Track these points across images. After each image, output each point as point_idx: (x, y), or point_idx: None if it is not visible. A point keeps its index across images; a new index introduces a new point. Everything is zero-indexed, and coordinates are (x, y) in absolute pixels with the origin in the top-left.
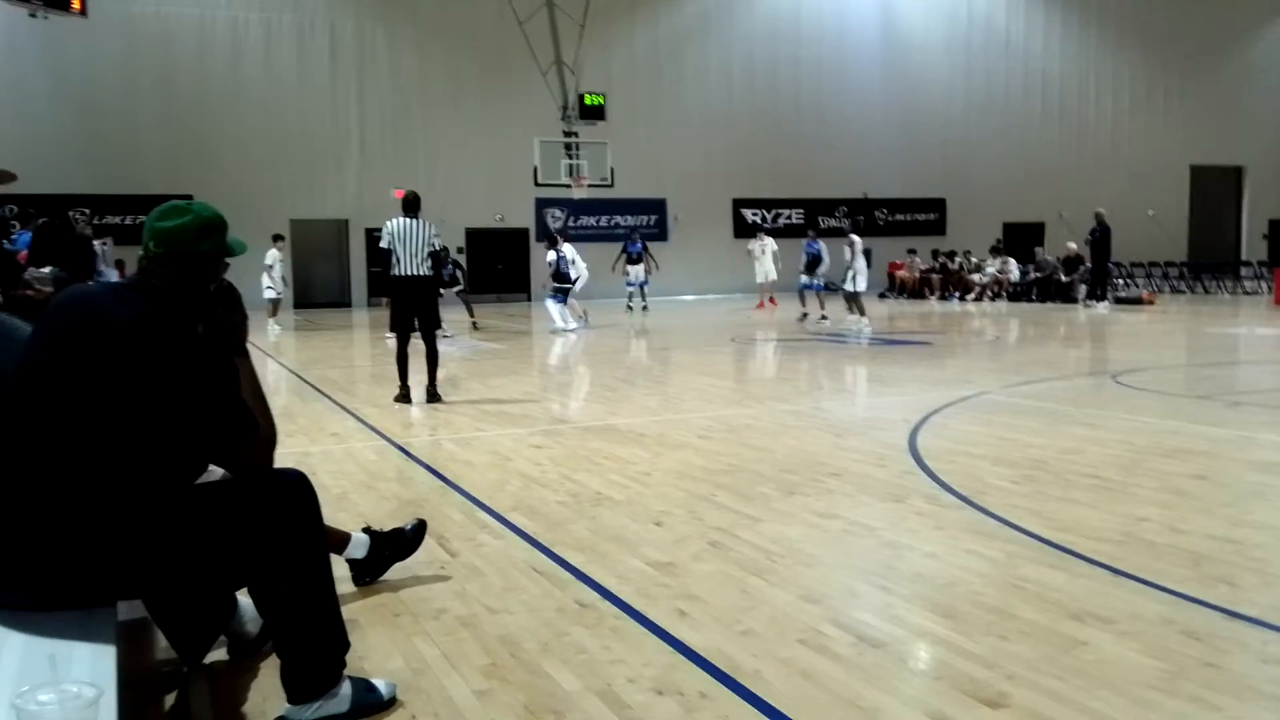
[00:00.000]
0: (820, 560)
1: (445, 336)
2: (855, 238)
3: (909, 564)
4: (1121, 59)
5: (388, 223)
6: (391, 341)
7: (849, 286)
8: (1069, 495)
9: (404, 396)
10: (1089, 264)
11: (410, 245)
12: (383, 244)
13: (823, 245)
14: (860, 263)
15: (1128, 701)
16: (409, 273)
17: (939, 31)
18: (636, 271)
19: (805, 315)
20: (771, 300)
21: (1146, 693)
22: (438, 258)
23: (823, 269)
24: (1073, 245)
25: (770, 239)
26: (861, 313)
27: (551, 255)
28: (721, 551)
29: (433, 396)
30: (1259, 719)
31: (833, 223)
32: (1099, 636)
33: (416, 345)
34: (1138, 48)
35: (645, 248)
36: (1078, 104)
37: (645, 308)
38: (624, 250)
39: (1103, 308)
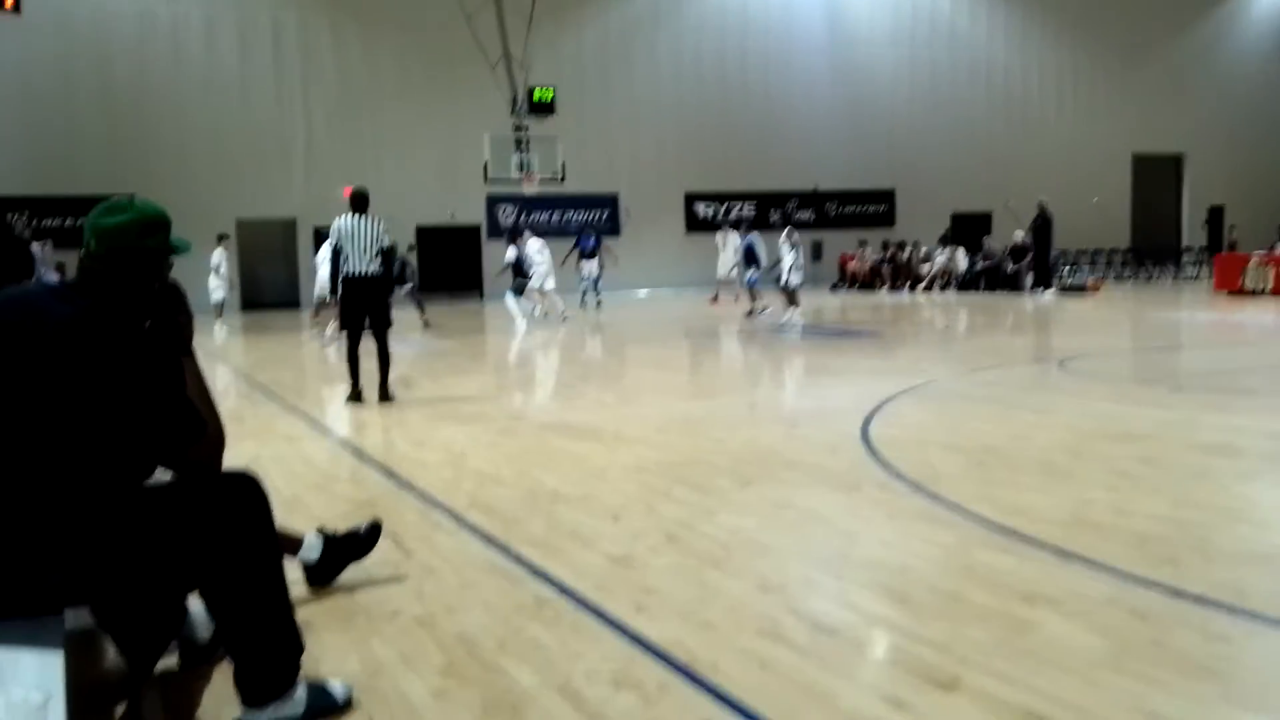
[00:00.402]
0: (776, 550)
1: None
2: (782, 234)
3: (863, 551)
4: (1064, 49)
5: (336, 220)
6: (321, 341)
7: (783, 281)
8: (1018, 480)
9: (356, 396)
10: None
11: (359, 243)
12: (330, 242)
13: (756, 237)
14: (790, 258)
15: (1077, 680)
16: (358, 271)
17: (885, 23)
18: (590, 267)
19: (752, 310)
20: (716, 297)
21: (1094, 671)
22: (388, 255)
23: (764, 263)
24: (1019, 234)
25: (734, 232)
26: (795, 304)
27: (512, 251)
28: (678, 544)
29: (385, 396)
30: (1204, 694)
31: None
32: (1048, 618)
33: (369, 346)
34: (1080, 37)
35: (600, 242)
36: (1022, 94)
37: (599, 303)
38: (576, 245)
39: (1049, 295)
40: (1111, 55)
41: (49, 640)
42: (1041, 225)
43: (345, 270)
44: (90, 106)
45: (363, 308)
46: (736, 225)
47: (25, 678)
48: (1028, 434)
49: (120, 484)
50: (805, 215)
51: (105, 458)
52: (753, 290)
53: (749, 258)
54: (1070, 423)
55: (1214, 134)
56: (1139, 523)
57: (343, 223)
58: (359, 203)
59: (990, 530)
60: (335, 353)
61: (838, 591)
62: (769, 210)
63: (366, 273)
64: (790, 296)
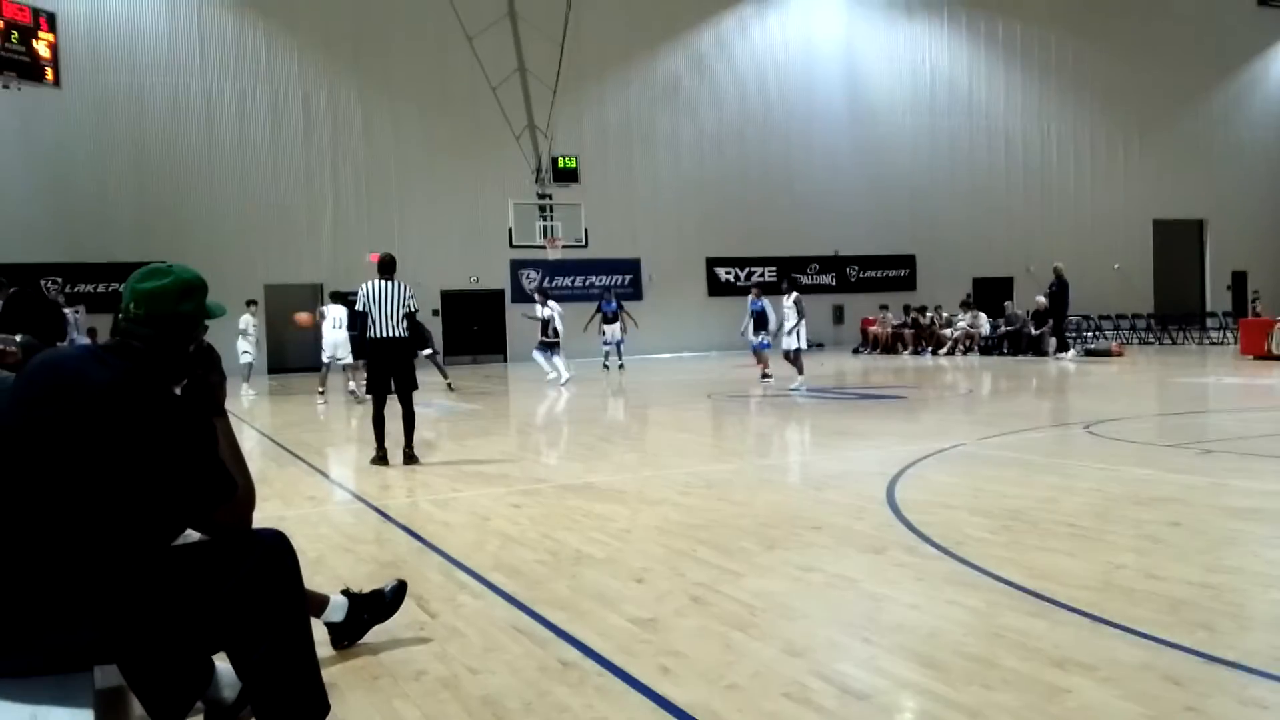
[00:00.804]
0: (802, 613)
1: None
2: (785, 298)
3: (891, 615)
4: (1081, 115)
5: (363, 285)
6: (322, 403)
7: (785, 345)
8: (1046, 544)
9: (381, 459)
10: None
11: (385, 307)
12: (358, 306)
13: (767, 303)
14: (791, 322)
15: None
16: (385, 334)
17: (903, 93)
18: (613, 330)
19: (765, 374)
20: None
21: None
22: (414, 319)
23: (772, 326)
24: (1041, 299)
25: (765, 299)
26: (799, 370)
27: (546, 311)
28: (703, 607)
29: (410, 458)
30: None
31: (805, 280)
32: (1081, 683)
33: (394, 408)
34: (1097, 104)
35: (621, 306)
36: (1040, 160)
37: (621, 366)
38: (599, 309)
39: (1069, 358)
40: (1130, 122)
41: (78, 698)
42: (1057, 290)
43: (371, 334)
44: (124, 175)
45: (389, 370)
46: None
47: None
48: (1055, 498)
49: (151, 543)
50: (827, 279)
51: (138, 518)
52: (759, 354)
53: (759, 322)
54: (1097, 486)
55: (1235, 199)
56: (1171, 587)
57: (370, 288)
58: (386, 268)
59: (1019, 594)
60: (344, 411)
61: (866, 656)
62: (790, 275)
63: (393, 335)
64: (794, 361)
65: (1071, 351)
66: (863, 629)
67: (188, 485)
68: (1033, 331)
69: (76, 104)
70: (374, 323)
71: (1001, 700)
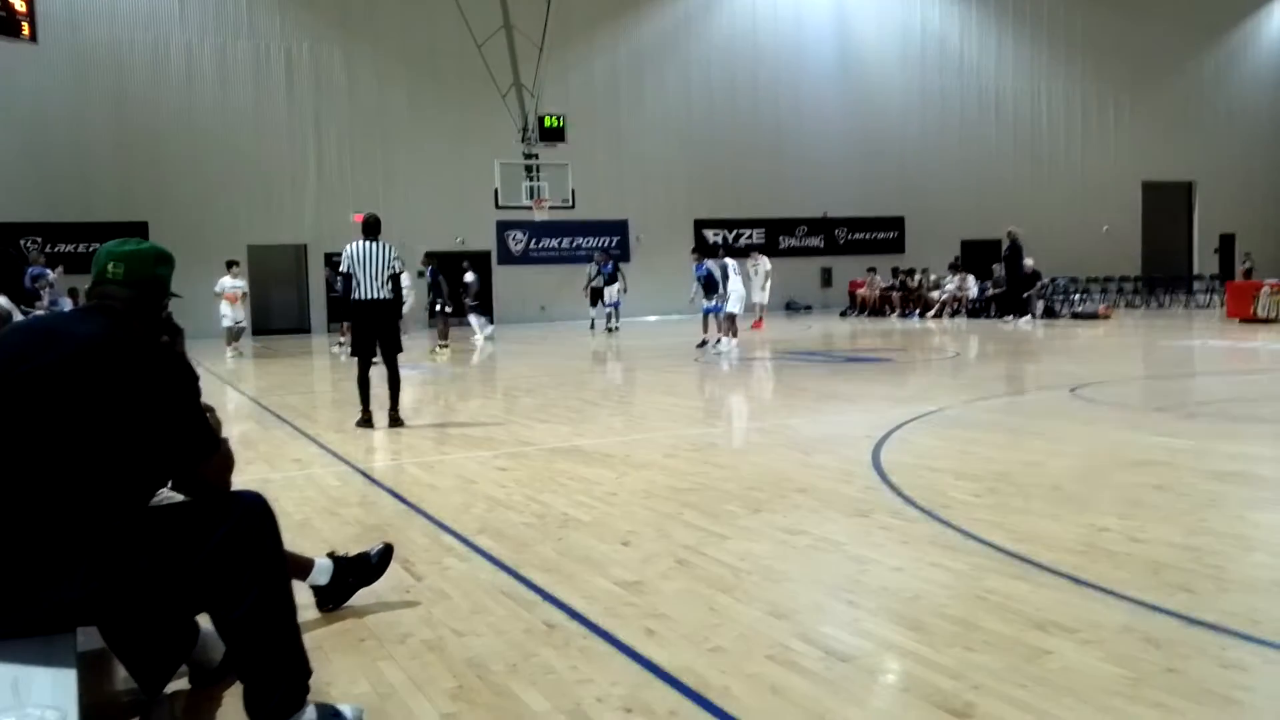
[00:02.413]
0: (787, 576)
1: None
2: (729, 260)
3: (875, 578)
4: (1073, 76)
5: (348, 246)
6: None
7: (727, 308)
8: (1031, 507)
9: (366, 421)
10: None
11: (370, 268)
12: (342, 268)
13: (712, 265)
14: (734, 284)
15: (1092, 709)
16: (369, 296)
17: (894, 51)
18: (610, 292)
19: (704, 341)
20: (757, 323)
21: (1110, 699)
22: (398, 280)
23: (721, 291)
24: (1029, 262)
25: (765, 258)
26: (733, 334)
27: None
28: (689, 569)
29: (395, 421)
30: None
31: (793, 242)
32: (1062, 645)
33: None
34: (1088, 65)
35: (617, 267)
36: (1031, 122)
37: (616, 329)
38: (599, 272)
39: (1024, 324)
40: (1121, 83)
41: (62, 658)
42: (1010, 254)
43: (356, 295)
44: (104, 133)
45: (373, 332)
46: (734, 252)
47: (40, 695)
48: (1039, 461)
49: (131, 501)
50: (815, 241)
51: (120, 472)
52: (714, 318)
53: (707, 287)
54: (1082, 450)
55: (1224, 162)
56: (1153, 550)
57: (355, 249)
58: (370, 228)
59: (1003, 557)
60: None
61: (850, 618)
62: (778, 237)
63: (378, 297)
64: (729, 325)
65: (1025, 318)
66: (847, 591)
67: (171, 436)
68: (1023, 294)
69: (54, 60)
70: (358, 284)
71: (983, 662)
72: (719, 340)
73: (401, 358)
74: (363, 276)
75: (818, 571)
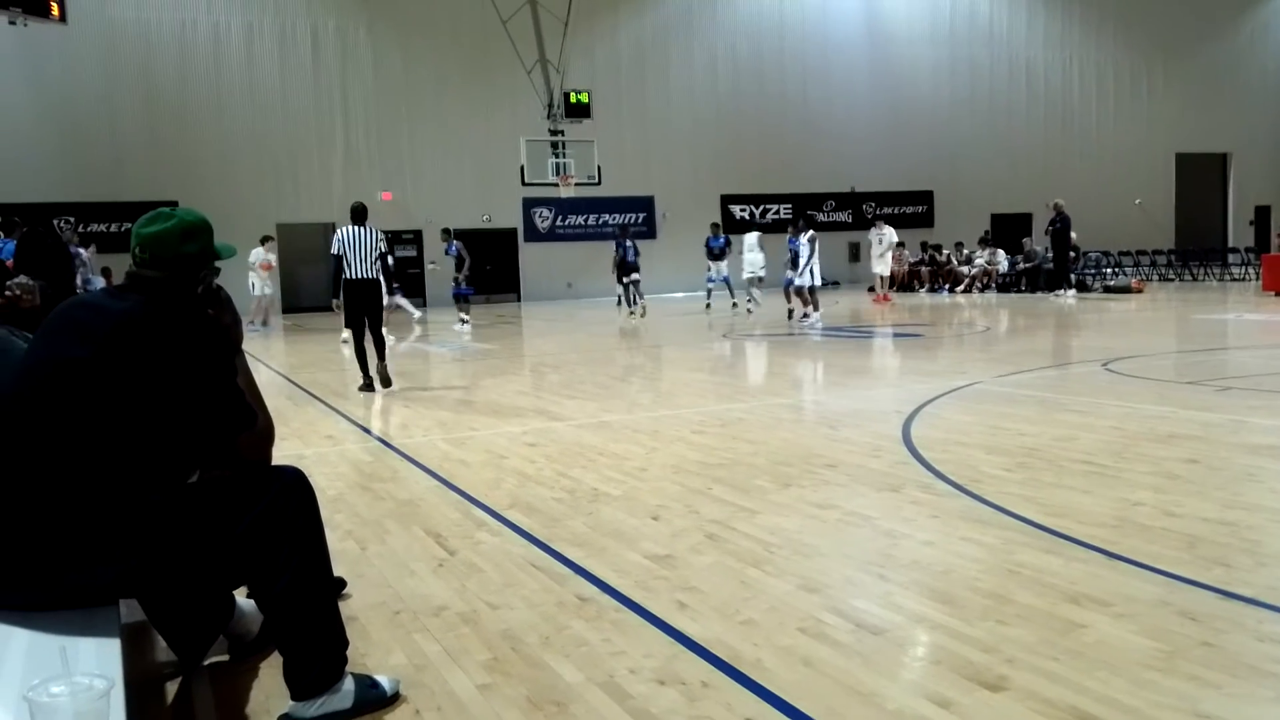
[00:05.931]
0: (818, 550)
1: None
2: (747, 236)
3: (906, 552)
4: (1104, 47)
5: (338, 230)
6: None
7: (798, 281)
8: (1062, 481)
9: (368, 385)
10: (1051, 254)
11: (360, 251)
12: (334, 250)
13: (803, 241)
14: (752, 256)
15: (1126, 681)
16: (359, 276)
17: (922, 22)
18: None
19: (790, 312)
20: (885, 296)
21: (1144, 672)
22: (386, 261)
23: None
24: (1074, 235)
25: (890, 229)
26: (815, 307)
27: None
28: (719, 544)
29: (385, 379)
30: (1256, 695)
31: (821, 217)
32: (1096, 619)
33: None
34: (1121, 36)
35: (638, 252)
36: (1062, 93)
37: (644, 308)
38: (621, 253)
39: (1070, 296)
40: (1154, 54)
41: (106, 629)
42: (1060, 227)
43: (347, 275)
44: (133, 113)
45: (363, 308)
46: (760, 227)
47: (87, 664)
48: (1072, 435)
49: (172, 475)
50: (843, 216)
51: (161, 447)
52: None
53: (717, 256)
54: (1115, 424)
55: (1259, 133)
56: (1188, 524)
57: (345, 233)
58: (359, 215)
59: (1035, 531)
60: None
61: (881, 592)
62: (805, 211)
63: (367, 276)
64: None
65: (1072, 291)
66: (878, 565)
67: (210, 409)
68: (1051, 268)
69: (83, 39)
70: (349, 265)
71: (1016, 635)
72: (805, 315)
73: (428, 335)
74: (353, 258)
75: (848, 546)
